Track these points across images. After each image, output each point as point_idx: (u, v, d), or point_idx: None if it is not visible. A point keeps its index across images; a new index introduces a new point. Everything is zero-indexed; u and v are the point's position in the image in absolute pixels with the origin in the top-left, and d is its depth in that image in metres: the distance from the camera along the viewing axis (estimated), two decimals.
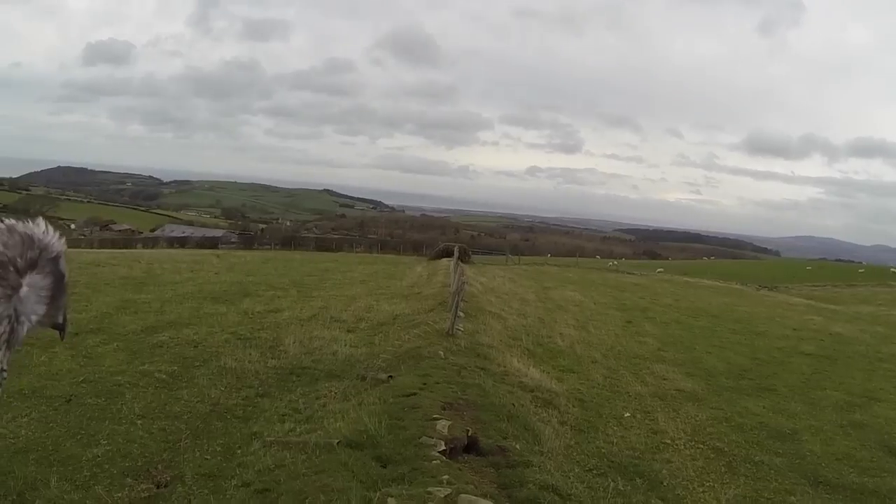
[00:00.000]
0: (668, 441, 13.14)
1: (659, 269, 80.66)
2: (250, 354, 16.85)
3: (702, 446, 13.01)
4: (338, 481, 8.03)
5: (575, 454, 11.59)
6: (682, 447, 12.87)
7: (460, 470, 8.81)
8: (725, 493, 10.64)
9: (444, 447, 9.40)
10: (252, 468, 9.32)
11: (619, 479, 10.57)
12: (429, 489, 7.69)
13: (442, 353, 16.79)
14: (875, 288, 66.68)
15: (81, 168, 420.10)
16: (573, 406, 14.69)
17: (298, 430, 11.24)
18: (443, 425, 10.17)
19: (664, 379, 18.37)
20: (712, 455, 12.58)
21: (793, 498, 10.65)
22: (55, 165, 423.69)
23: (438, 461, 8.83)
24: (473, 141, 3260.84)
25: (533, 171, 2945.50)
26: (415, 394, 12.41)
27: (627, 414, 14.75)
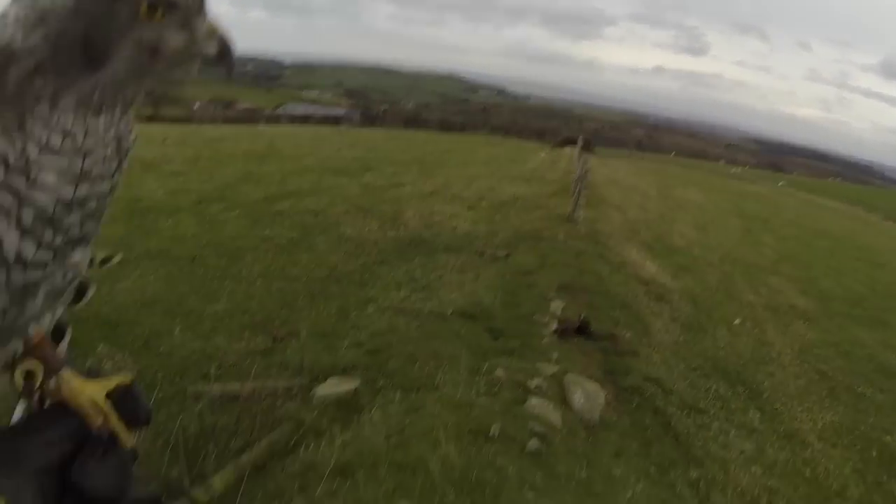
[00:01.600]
0: (775, 355, 12.99)
1: (781, 182, 78.83)
2: (370, 224, 17.15)
3: (807, 366, 12.80)
4: (448, 348, 8.32)
5: (682, 351, 11.62)
6: (788, 364, 12.70)
7: (569, 351, 8.99)
8: (823, 418, 10.49)
9: (556, 326, 9.61)
10: (365, 330, 9.63)
11: (721, 382, 10.60)
12: (537, 364, 7.86)
13: (562, 236, 16.99)
14: None
15: None
16: (685, 304, 14.68)
17: (413, 297, 11.48)
18: (557, 305, 10.38)
19: (778, 292, 18.11)
20: (816, 377, 12.38)
21: (889, 437, 10.28)
22: None
23: (549, 339, 9.06)
24: (598, 36, 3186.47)
25: (659, 70, 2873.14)
26: (532, 273, 12.74)
27: (738, 321, 14.58)
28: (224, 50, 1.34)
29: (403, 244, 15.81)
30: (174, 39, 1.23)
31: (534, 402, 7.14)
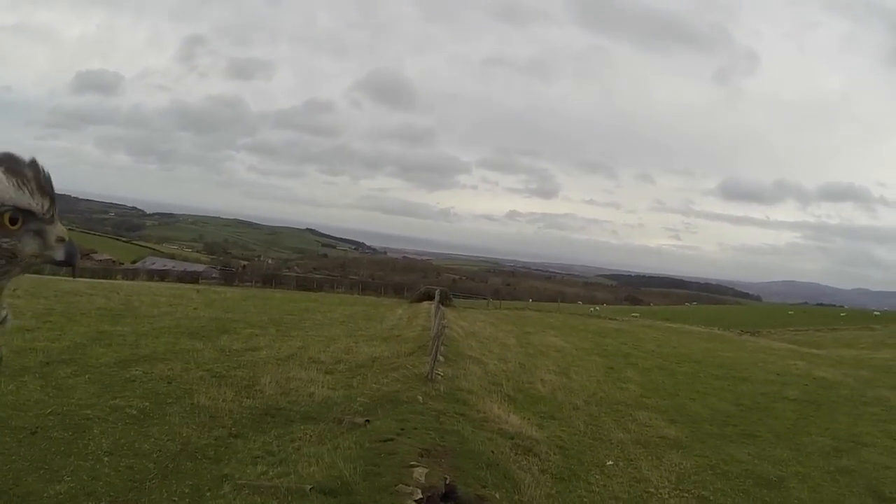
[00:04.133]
0: (652, 490, 12.88)
1: (634, 314, 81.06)
2: (225, 393, 16.49)
3: (687, 495, 12.73)
4: None
5: None
6: (667, 496, 12.60)
7: None
8: None
9: (420, 496, 9.14)
10: None
11: None
12: None
13: (421, 397, 16.63)
14: (857, 331, 66.72)
15: (65, 195, 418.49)
16: (554, 454, 14.40)
17: (271, 473, 10.90)
18: (420, 473, 9.92)
19: (647, 426, 18.14)
20: None
21: None
22: None
23: None
24: (453, 184, 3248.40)
25: (513, 215, 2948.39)
26: (392, 439, 12.16)
27: (610, 462, 14.47)
28: (70, 255, 1.76)
29: (259, 414, 15.31)
30: (29, 246, 1.65)
31: None
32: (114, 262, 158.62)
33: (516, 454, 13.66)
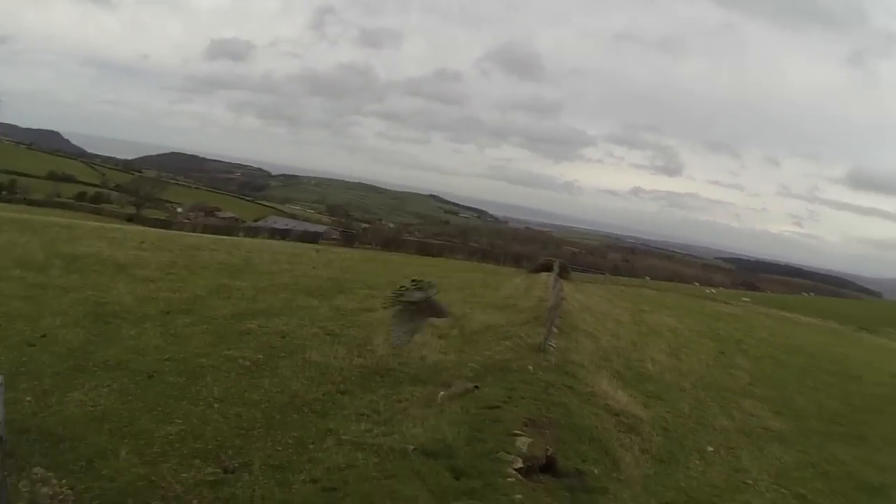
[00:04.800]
0: (750, 482, 12.56)
1: (745, 299, 79.18)
2: (337, 350, 16.76)
3: (785, 491, 12.39)
4: (407, 488, 7.90)
5: (653, 485, 11.12)
6: (764, 490, 12.27)
7: (534, 490, 8.56)
8: None
9: (521, 465, 9.16)
10: (322, 465, 9.25)
11: None
12: None
13: (531, 367, 16.41)
14: None
15: (194, 155, 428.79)
16: (656, 434, 14.19)
17: (375, 431, 11.07)
18: (522, 442, 9.92)
19: (752, 415, 17.67)
20: (795, 502, 12.02)
21: None
22: (169, 151, 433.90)
23: (514, 479, 8.61)
24: (578, 157, 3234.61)
25: (637, 191, 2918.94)
26: (498, 407, 12.18)
27: (711, 448, 14.19)
28: None
29: (369, 372, 15.46)
30: None
31: None
32: (237, 220, 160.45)
33: (619, 431, 13.51)
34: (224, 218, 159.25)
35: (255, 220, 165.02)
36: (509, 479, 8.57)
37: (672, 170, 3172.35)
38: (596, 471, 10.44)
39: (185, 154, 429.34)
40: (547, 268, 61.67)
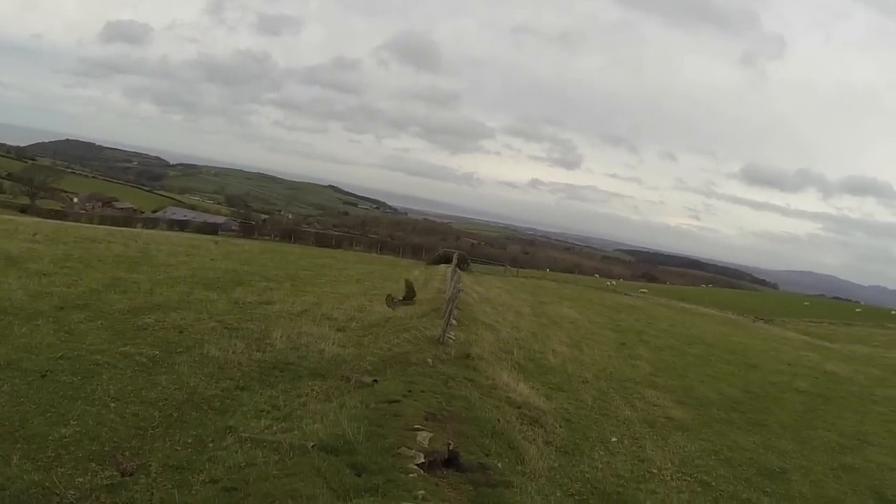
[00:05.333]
0: (655, 470, 12.79)
1: (642, 290, 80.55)
2: (235, 345, 16.50)
3: (689, 479, 12.66)
4: (308, 487, 7.76)
5: (558, 477, 11.26)
6: (669, 478, 12.51)
7: (437, 485, 8.49)
8: None
9: (422, 460, 9.08)
10: (222, 464, 9.05)
11: None
12: None
13: (430, 360, 16.43)
14: (871, 328, 66.45)
15: (90, 143, 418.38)
16: (560, 426, 14.33)
17: (275, 427, 10.95)
18: (423, 437, 9.84)
19: (655, 405, 18.01)
20: (699, 489, 12.26)
21: None
22: (64, 138, 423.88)
23: (415, 474, 8.53)
24: (476, 149, 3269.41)
25: (535, 183, 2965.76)
26: (398, 401, 12.08)
27: (615, 439, 14.38)
28: None
29: (268, 367, 15.29)
30: None
31: None
32: (135, 210, 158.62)
33: (522, 424, 13.58)
34: (122, 209, 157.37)
35: (154, 211, 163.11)
36: (411, 475, 8.48)
37: (570, 162, 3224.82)
38: (500, 464, 10.44)
39: (80, 141, 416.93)
40: (446, 259, 62.00)
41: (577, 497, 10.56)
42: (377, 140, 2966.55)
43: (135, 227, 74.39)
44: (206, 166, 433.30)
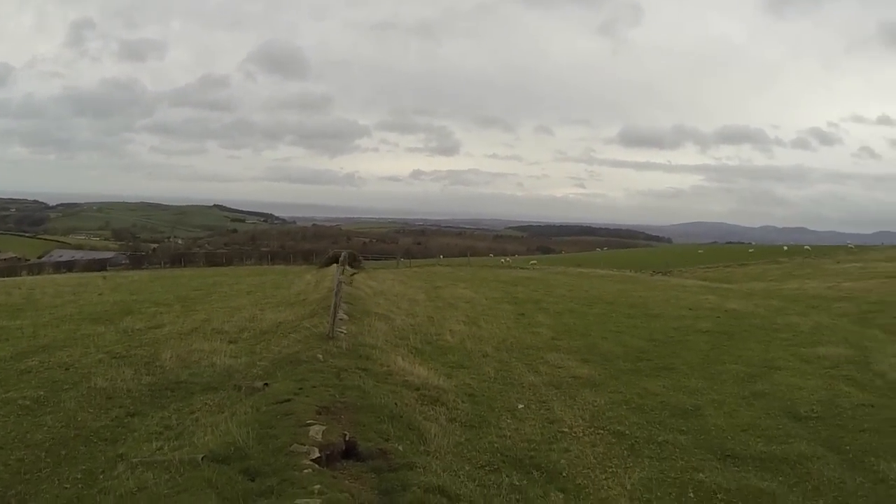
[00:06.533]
0: (566, 429, 12.73)
1: (532, 262, 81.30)
2: (123, 373, 15.90)
3: (602, 431, 12.68)
4: (198, 500, 7.41)
5: (465, 451, 11.03)
6: (581, 434, 12.49)
7: (334, 478, 8.22)
8: (630, 478, 10.38)
9: (318, 454, 8.81)
10: (113, 493, 8.56)
11: (514, 473, 10.14)
12: (296, 501, 7.02)
13: (321, 356, 16.21)
14: (766, 265, 68.58)
15: None
16: (462, 402, 14.13)
17: (166, 448, 10.49)
18: (316, 431, 9.55)
19: (559, 367, 17.99)
20: (613, 440, 12.25)
21: (701, 475, 10.43)
22: None
23: (310, 470, 8.24)
24: (354, 149, 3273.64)
25: (417, 174, 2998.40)
26: (289, 400, 11.78)
27: (521, 405, 14.28)
28: None
29: (159, 389, 14.83)
30: None
31: None
32: (19, 259, 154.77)
33: (422, 405, 13.36)
34: (4, 259, 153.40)
35: (39, 257, 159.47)
36: (306, 471, 8.21)
37: (449, 149, 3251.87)
38: (401, 447, 10.21)
39: None
40: (337, 260, 61.81)
41: (487, 468, 10.32)
42: (256, 153, 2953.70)
43: (19, 276, 72.32)
44: (88, 203, 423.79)
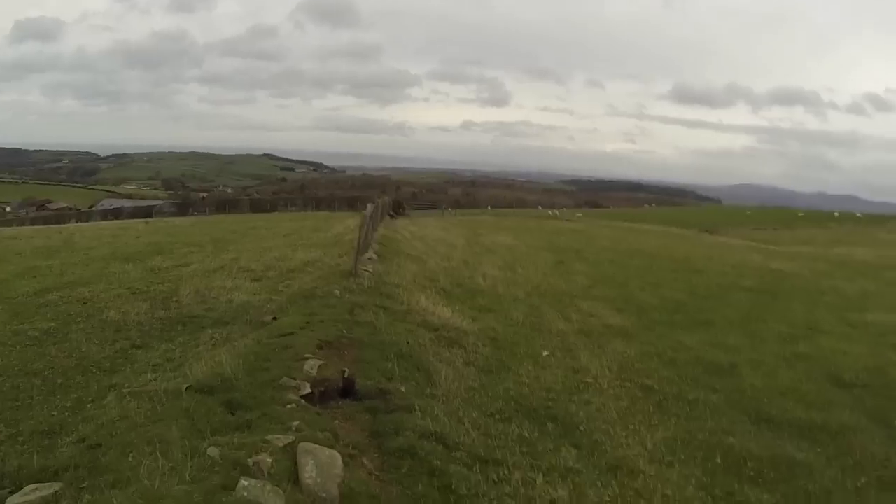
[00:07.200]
0: (590, 380, 12.05)
1: (578, 214, 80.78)
2: (139, 307, 15.68)
3: (628, 384, 11.99)
4: (171, 431, 7.00)
5: (477, 397, 10.36)
6: (606, 386, 11.78)
7: (319, 415, 7.80)
8: (652, 437, 9.61)
9: (309, 390, 8.40)
10: (95, 422, 8.24)
11: (525, 424, 9.45)
12: (267, 437, 6.61)
13: (338, 292, 15.91)
14: (814, 230, 67.84)
15: (15, 148, 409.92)
16: (483, 345, 13.57)
17: (160, 379, 10.12)
18: (311, 365, 9.17)
19: (591, 315, 17.49)
20: (640, 394, 11.56)
21: (731, 438, 9.63)
22: None
23: (294, 405, 7.82)
24: (405, 98, 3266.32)
25: (468, 125, 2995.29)
26: (292, 333, 11.40)
27: (546, 353, 13.60)
28: None
29: (171, 323, 14.54)
30: None
31: (245, 485, 5.63)
32: (70, 208, 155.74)
33: (438, 346, 12.84)
34: (56, 209, 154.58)
35: (90, 207, 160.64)
36: (289, 406, 7.76)
37: (500, 100, 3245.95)
38: (404, 388, 9.65)
39: (5, 148, 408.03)
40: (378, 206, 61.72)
41: (498, 416, 9.67)
42: (305, 102, 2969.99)
43: (68, 223, 72.54)
44: (139, 153, 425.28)
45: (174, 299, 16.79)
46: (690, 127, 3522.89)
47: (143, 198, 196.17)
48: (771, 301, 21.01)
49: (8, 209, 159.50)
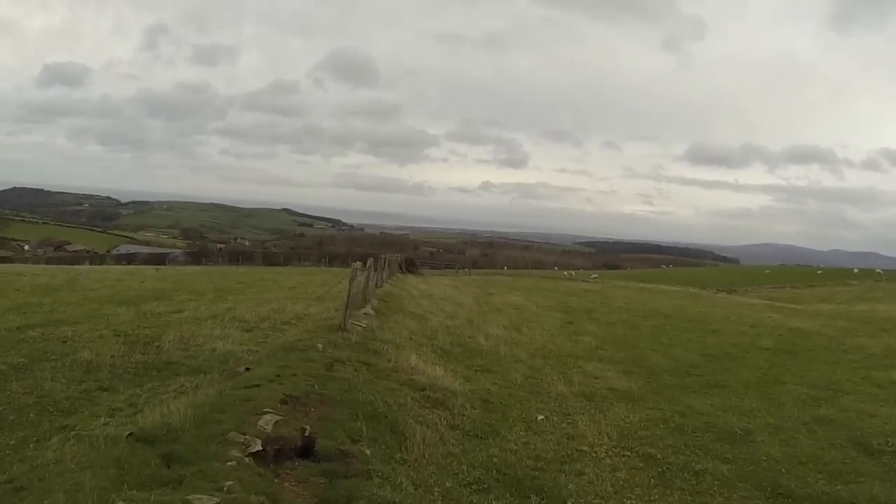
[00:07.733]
0: (586, 448, 11.06)
1: (594, 276, 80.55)
2: (117, 349, 15.39)
3: (628, 453, 10.92)
4: (95, 479, 6.34)
5: (455, 464, 9.37)
6: (603, 455, 10.77)
7: (261, 476, 6.91)
8: None
9: (259, 447, 7.52)
10: (30, 463, 7.97)
11: (506, 496, 8.45)
12: (189, 496, 5.83)
13: (321, 345, 15.13)
14: (834, 287, 67.54)
15: (38, 189, 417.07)
16: (473, 407, 12.69)
17: (113, 423, 9.83)
18: (266, 421, 8.33)
19: (596, 378, 16.53)
20: (640, 464, 10.49)
21: None
22: (10, 186, 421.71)
23: (235, 463, 6.96)
24: (423, 158, 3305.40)
25: (486, 186, 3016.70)
26: (258, 385, 10.58)
27: (541, 416, 12.75)
28: None
29: (146, 368, 14.27)
30: None
31: None
32: (88, 251, 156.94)
33: (421, 407, 11.95)
34: (74, 251, 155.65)
35: (108, 251, 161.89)
36: (229, 464, 6.91)
37: (517, 161, 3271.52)
38: (368, 451, 8.65)
39: (28, 188, 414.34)
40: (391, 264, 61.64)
41: (474, 487, 8.67)
42: (325, 159, 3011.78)
43: (80, 265, 72.54)
44: (159, 201, 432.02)
45: (155, 344, 16.49)
46: (708, 188, 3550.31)
47: (160, 245, 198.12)
48: (790, 361, 19.97)
49: (26, 248, 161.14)
